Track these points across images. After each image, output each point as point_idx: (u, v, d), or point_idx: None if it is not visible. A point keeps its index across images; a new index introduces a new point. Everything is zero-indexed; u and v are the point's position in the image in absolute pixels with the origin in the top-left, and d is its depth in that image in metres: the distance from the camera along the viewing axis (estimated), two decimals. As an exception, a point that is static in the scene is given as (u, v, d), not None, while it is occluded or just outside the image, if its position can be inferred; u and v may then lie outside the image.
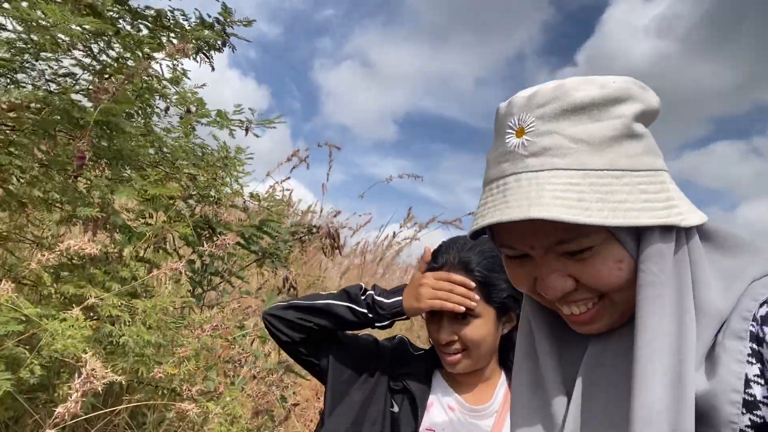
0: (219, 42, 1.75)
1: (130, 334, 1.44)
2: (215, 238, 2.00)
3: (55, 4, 1.29)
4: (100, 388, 1.06)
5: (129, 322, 1.46)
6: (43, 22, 1.19)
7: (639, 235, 0.54)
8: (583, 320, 0.58)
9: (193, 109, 1.97)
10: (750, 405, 0.48)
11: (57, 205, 1.57)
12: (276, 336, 1.13)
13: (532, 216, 0.50)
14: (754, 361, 0.49)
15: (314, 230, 2.33)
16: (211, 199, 2.03)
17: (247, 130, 2.09)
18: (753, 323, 0.49)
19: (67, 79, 1.82)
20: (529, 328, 0.65)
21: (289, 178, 2.62)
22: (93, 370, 1.14)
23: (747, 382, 0.48)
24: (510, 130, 0.56)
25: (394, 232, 5.01)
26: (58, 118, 1.48)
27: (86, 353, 1.22)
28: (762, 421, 0.47)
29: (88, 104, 1.63)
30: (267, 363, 1.95)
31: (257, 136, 2.15)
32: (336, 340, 1.16)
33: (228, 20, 1.73)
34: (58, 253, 1.25)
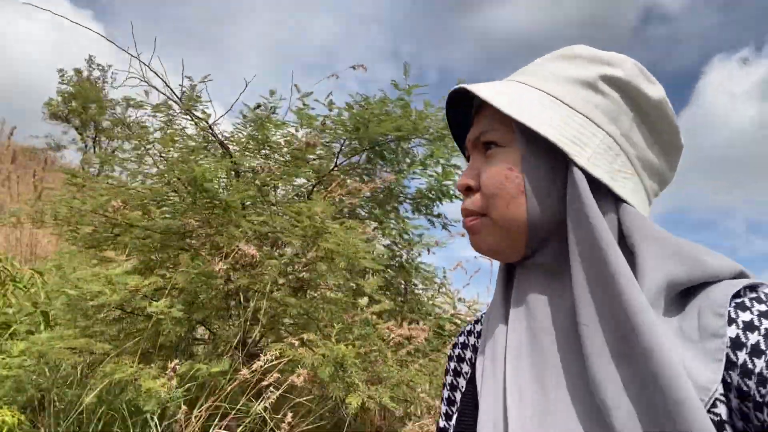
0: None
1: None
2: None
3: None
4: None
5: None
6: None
7: (563, 177, 0.54)
8: (470, 227, 0.59)
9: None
10: (709, 403, 0.42)
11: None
12: None
13: (464, 86, 0.57)
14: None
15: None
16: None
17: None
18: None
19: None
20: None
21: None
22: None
23: None
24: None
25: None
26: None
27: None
28: (719, 419, 0.42)
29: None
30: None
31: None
32: None
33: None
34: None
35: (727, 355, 0.43)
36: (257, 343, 2.44)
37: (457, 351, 0.71)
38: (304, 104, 3.23)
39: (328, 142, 2.83)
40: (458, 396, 0.67)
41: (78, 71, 16.29)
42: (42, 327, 2.08)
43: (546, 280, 0.55)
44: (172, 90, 2.77)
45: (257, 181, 2.34)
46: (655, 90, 0.56)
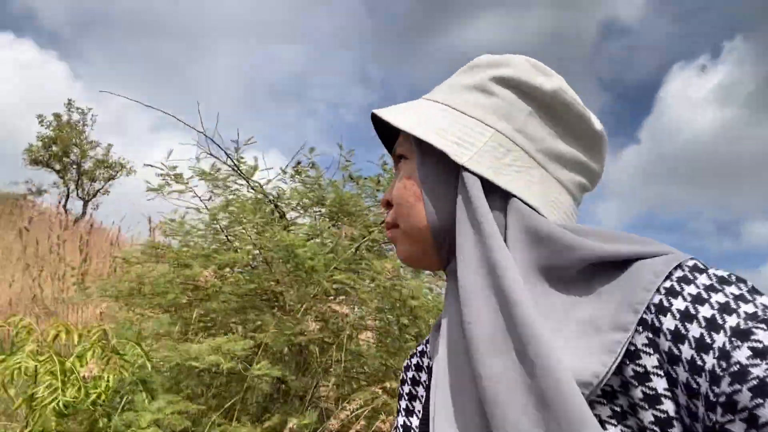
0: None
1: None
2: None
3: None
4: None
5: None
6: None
7: (457, 178, 0.55)
8: (390, 239, 0.62)
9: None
10: (653, 399, 0.42)
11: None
12: None
13: (373, 111, 0.61)
14: (651, 352, 0.43)
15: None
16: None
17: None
18: (645, 312, 0.44)
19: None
20: None
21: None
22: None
23: (646, 375, 0.43)
24: None
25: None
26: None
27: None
28: (666, 416, 0.41)
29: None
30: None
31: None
32: None
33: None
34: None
35: (670, 349, 0.42)
36: (336, 393, 2.62)
37: (410, 374, 0.69)
38: (347, 160, 3.46)
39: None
40: (415, 421, 0.65)
41: (57, 115, 16.25)
42: (144, 396, 2.23)
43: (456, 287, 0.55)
44: (234, 162, 2.97)
45: (333, 244, 2.54)
46: (549, 82, 0.56)
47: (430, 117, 0.57)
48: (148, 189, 2.96)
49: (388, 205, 0.62)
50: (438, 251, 0.58)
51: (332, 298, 2.33)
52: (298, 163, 3.68)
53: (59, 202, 15.60)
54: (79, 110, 16.59)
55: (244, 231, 2.66)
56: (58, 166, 16.13)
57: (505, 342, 0.46)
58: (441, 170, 0.56)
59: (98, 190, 16.47)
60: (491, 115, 0.56)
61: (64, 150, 15.89)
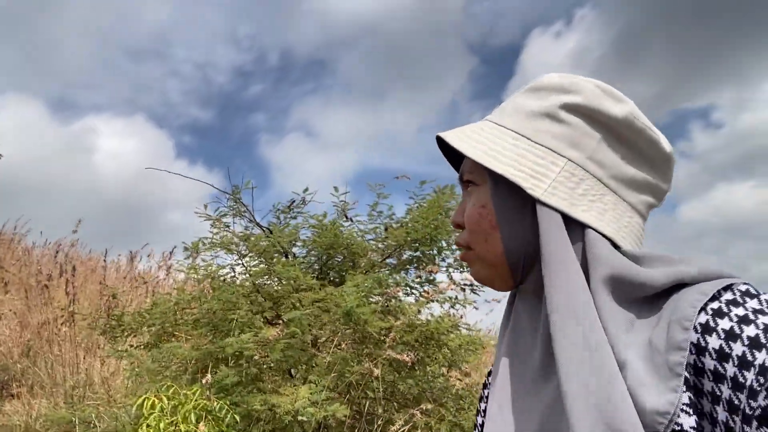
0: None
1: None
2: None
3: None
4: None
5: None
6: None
7: (533, 207, 0.56)
8: (463, 259, 0.65)
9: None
10: None
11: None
12: None
13: (439, 134, 0.63)
14: (684, 389, 0.45)
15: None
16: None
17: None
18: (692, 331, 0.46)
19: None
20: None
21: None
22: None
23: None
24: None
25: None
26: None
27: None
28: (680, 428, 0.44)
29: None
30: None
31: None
32: None
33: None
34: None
35: (715, 367, 0.44)
36: (375, 414, 3.18)
37: (486, 391, 0.72)
38: (344, 201, 3.89)
39: (387, 245, 3.58)
40: None
41: None
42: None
43: (533, 305, 0.59)
44: (252, 216, 3.32)
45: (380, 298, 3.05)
46: (620, 108, 0.57)
47: (503, 147, 0.58)
48: (185, 248, 3.22)
49: (458, 225, 0.65)
50: (512, 274, 0.61)
51: (387, 346, 2.84)
52: (292, 201, 4.06)
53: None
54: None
55: (289, 287, 3.07)
56: None
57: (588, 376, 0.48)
58: (515, 199, 0.58)
59: None
60: (562, 144, 0.57)
61: None
